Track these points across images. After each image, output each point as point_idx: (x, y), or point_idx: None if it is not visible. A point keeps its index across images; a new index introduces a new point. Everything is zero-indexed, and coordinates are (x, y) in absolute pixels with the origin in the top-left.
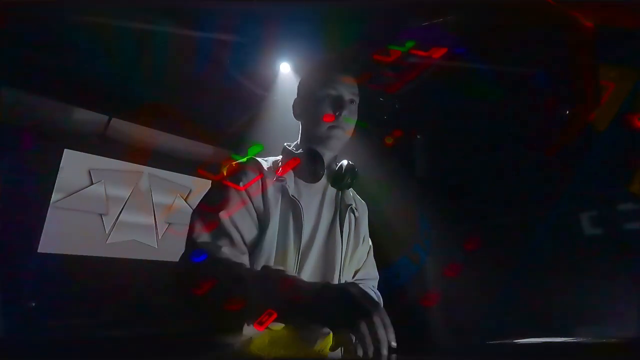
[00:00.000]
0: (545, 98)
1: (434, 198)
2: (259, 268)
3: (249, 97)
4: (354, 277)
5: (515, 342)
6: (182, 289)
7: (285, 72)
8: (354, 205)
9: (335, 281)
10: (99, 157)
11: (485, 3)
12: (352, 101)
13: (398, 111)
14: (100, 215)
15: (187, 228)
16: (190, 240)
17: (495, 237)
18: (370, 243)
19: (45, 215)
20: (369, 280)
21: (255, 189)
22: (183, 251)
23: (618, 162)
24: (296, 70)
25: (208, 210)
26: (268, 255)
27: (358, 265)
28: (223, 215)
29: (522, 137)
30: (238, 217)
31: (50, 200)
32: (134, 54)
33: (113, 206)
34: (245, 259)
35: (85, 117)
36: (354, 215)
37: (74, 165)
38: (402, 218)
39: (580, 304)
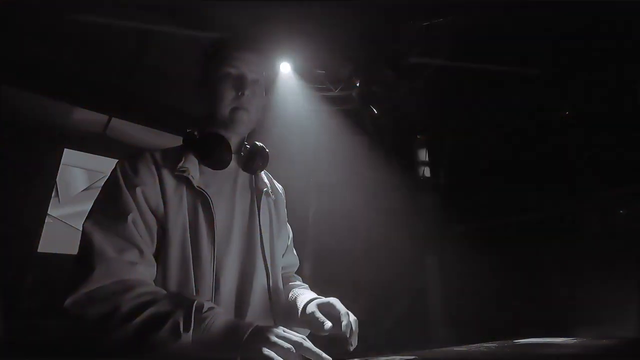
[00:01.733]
0: (546, 98)
1: (434, 198)
2: (170, 272)
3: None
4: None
5: (515, 342)
6: (86, 318)
7: (285, 72)
8: (269, 190)
9: (261, 269)
10: (99, 157)
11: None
12: (255, 80)
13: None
14: None
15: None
16: (86, 253)
17: (495, 237)
18: (290, 229)
19: (45, 215)
20: (292, 267)
21: (151, 186)
22: (72, 274)
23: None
24: (296, 70)
25: (100, 219)
26: (181, 257)
27: (282, 252)
28: (118, 222)
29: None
30: (137, 222)
31: (50, 200)
32: (134, 54)
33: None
34: (152, 272)
35: (85, 117)
36: (271, 200)
37: (74, 165)
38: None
39: (580, 304)
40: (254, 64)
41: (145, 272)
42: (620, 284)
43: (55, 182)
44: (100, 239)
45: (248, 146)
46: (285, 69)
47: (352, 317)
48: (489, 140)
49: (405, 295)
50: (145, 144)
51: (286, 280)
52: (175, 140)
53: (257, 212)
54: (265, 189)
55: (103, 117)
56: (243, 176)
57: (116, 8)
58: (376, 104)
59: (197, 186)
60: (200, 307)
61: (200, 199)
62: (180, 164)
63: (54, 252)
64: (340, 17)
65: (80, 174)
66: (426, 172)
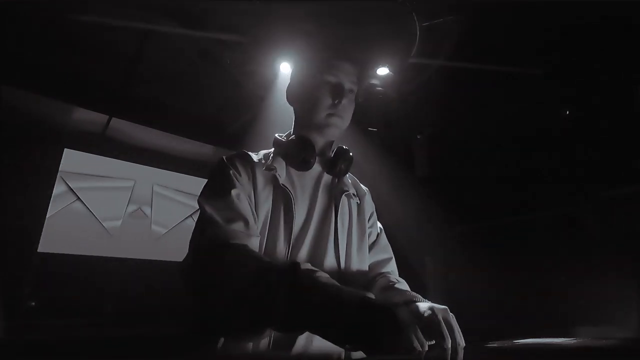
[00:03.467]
0: (546, 98)
1: (434, 198)
2: None
3: (249, 97)
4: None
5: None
6: (198, 280)
7: (285, 72)
8: (352, 192)
9: (332, 272)
10: (99, 157)
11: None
12: (351, 90)
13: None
14: (100, 214)
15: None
16: (198, 226)
17: (495, 237)
18: (380, 225)
19: (45, 215)
20: (385, 262)
21: (246, 180)
22: (193, 244)
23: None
24: None
25: (210, 194)
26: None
27: (366, 254)
28: (224, 195)
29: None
30: (243, 200)
31: (50, 200)
32: (134, 54)
33: (112, 205)
34: (256, 244)
35: (85, 117)
36: (355, 202)
37: (74, 165)
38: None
39: (580, 304)
40: (352, 74)
41: (249, 241)
42: (620, 284)
43: (55, 182)
44: (210, 210)
45: (333, 149)
46: (285, 69)
47: (457, 333)
48: (489, 140)
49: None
50: (145, 144)
51: (391, 283)
52: (176, 140)
53: (333, 214)
54: (346, 191)
55: (103, 117)
56: (326, 178)
57: (116, 8)
58: (376, 104)
59: (282, 184)
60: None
61: (283, 196)
62: (270, 163)
63: (54, 252)
64: (340, 17)
65: (81, 174)
66: (426, 172)
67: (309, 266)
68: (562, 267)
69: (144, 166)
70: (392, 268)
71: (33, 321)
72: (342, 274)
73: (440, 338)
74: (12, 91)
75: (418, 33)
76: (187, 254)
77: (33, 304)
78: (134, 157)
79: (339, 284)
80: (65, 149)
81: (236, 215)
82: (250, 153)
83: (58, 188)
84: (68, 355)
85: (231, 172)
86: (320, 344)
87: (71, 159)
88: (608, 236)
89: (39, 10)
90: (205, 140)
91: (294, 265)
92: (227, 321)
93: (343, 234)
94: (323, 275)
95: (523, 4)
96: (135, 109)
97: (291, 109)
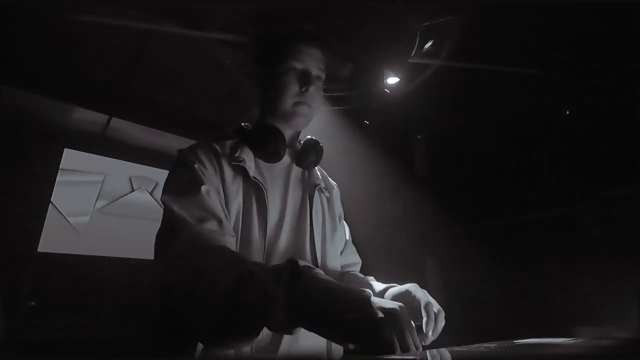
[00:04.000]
0: (546, 98)
1: (434, 198)
2: None
3: (249, 97)
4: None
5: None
6: (178, 292)
7: None
8: (322, 185)
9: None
10: (99, 156)
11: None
12: (318, 77)
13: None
14: (101, 214)
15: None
16: (166, 230)
17: (496, 237)
18: (347, 226)
19: (45, 215)
20: (354, 265)
21: (213, 173)
22: (158, 248)
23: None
24: None
25: (176, 191)
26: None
27: (339, 250)
28: (193, 193)
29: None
30: (213, 196)
31: (50, 200)
32: (134, 54)
33: (112, 205)
34: (233, 242)
35: (85, 117)
36: (324, 196)
37: (74, 165)
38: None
39: (580, 304)
40: (320, 60)
41: (224, 241)
42: (620, 284)
43: (55, 182)
44: (178, 209)
45: (302, 141)
46: None
47: (436, 308)
48: (489, 140)
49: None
50: (145, 144)
51: (360, 277)
52: (176, 140)
53: (308, 208)
54: (318, 185)
55: (103, 117)
56: (296, 171)
57: (116, 8)
58: (376, 104)
59: (253, 176)
60: (294, 265)
61: (255, 189)
62: (237, 155)
63: (54, 252)
64: (340, 16)
65: (81, 174)
66: (426, 172)
67: (305, 263)
68: (562, 267)
69: (145, 166)
70: (358, 269)
71: (33, 321)
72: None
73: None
74: (12, 91)
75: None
76: (155, 261)
77: (33, 304)
78: (134, 157)
79: (339, 282)
80: (65, 149)
81: (208, 213)
82: (212, 142)
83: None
84: (68, 355)
85: (196, 165)
86: (305, 343)
87: (71, 159)
88: (608, 236)
89: (39, 10)
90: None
91: (294, 263)
92: (216, 332)
93: (318, 228)
94: (322, 273)
95: (524, 4)
96: (135, 109)
97: None
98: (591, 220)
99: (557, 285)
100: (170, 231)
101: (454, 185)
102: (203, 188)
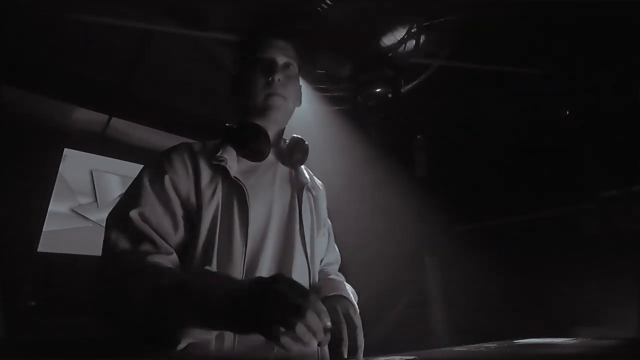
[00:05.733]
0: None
1: (434, 198)
2: (193, 266)
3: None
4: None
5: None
6: (106, 306)
7: None
8: (310, 184)
9: (303, 268)
10: (99, 156)
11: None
12: (287, 65)
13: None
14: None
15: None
16: (105, 247)
17: (496, 237)
18: (330, 223)
19: (45, 215)
20: (334, 264)
21: (183, 177)
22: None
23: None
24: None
25: (121, 210)
26: (208, 249)
27: (322, 248)
28: (134, 213)
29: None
30: (152, 214)
31: (50, 200)
32: (134, 54)
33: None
34: (170, 260)
35: (85, 117)
36: (312, 195)
37: (74, 165)
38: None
39: (580, 304)
40: (284, 48)
41: (161, 261)
42: (620, 284)
43: (55, 182)
44: (115, 232)
45: (287, 139)
46: None
47: (354, 326)
48: (489, 139)
49: (405, 295)
50: (145, 144)
51: (325, 276)
52: (176, 140)
53: (297, 208)
54: (306, 184)
55: (103, 117)
56: (282, 169)
57: (117, 8)
58: (376, 104)
59: (234, 176)
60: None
61: (235, 189)
62: (218, 154)
63: (54, 252)
64: (340, 16)
65: (81, 174)
66: (426, 171)
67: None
68: (562, 267)
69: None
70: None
71: (33, 321)
72: (311, 271)
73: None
74: (12, 91)
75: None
76: (97, 278)
77: (33, 304)
78: (134, 157)
79: (222, 278)
80: (65, 149)
81: (142, 236)
82: (192, 144)
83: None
84: (68, 355)
85: (157, 174)
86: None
87: (71, 159)
88: (608, 236)
89: (39, 10)
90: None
91: (179, 278)
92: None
93: (307, 227)
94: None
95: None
96: (135, 109)
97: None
98: (591, 220)
99: (557, 285)
100: (105, 253)
101: (454, 185)
102: (146, 209)
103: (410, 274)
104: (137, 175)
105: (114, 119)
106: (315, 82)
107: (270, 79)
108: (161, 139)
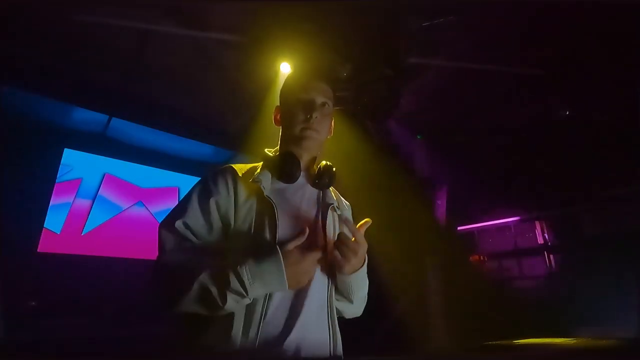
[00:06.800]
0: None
1: (434, 199)
2: None
3: (249, 97)
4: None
5: (515, 343)
6: (164, 295)
7: (285, 72)
8: (335, 205)
9: (322, 282)
10: (99, 156)
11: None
12: (324, 104)
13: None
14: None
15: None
16: (158, 249)
17: (495, 237)
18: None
19: (45, 215)
20: None
21: (224, 196)
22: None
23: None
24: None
25: (169, 221)
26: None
27: None
28: (179, 223)
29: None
30: (194, 224)
31: (50, 200)
32: (134, 54)
33: (112, 205)
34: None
35: (85, 117)
36: (337, 214)
37: (74, 165)
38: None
39: (580, 304)
40: (323, 90)
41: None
42: (620, 284)
43: (55, 182)
44: (163, 236)
45: (318, 164)
46: (285, 69)
47: (359, 244)
48: (489, 140)
49: (405, 295)
50: (145, 144)
51: None
52: (176, 140)
53: (321, 226)
54: (331, 204)
55: (103, 117)
56: (311, 191)
57: (116, 8)
58: (376, 104)
59: (266, 195)
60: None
61: (267, 206)
62: (255, 176)
63: (54, 252)
64: (340, 16)
65: (81, 174)
66: (426, 172)
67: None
68: (562, 267)
69: (144, 166)
70: None
71: (33, 321)
72: (329, 287)
73: None
74: (12, 91)
75: None
76: (153, 272)
77: (33, 304)
78: (134, 157)
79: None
80: (65, 149)
81: (185, 240)
82: (235, 166)
83: (65, 189)
84: (68, 355)
85: (203, 193)
86: (312, 336)
87: (71, 159)
88: (608, 236)
89: (39, 10)
90: (205, 140)
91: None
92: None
93: (330, 246)
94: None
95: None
96: (135, 109)
97: None
98: (591, 220)
99: (556, 285)
100: (159, 250)
101: (455, 185)
102: (190, 220)
103: (410, 274)
104: (189, 191)
105: (114, 119)
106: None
107: (308, 116)
108: (161, 139)
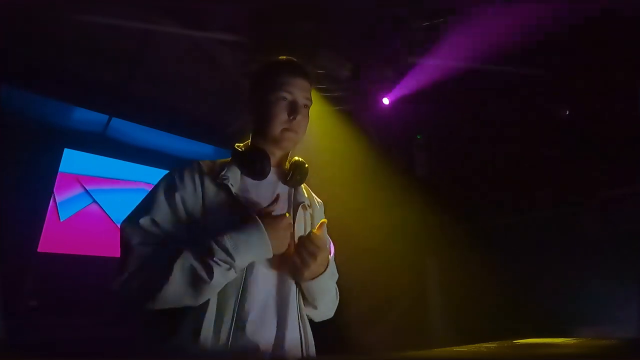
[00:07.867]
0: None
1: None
2: None
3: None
4: None
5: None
6: (137, 293)
7: None
8: (306, 203)
9: (291, 281)
10: (99, 157)
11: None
12: (305, 106)
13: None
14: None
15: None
16: (123, 249)
17: (495, 237)
18: (332, 243)
19: (45, 215)
20: None
21: (191, 192)
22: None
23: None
24: None
25: (133, 217)
26: None
27: None
28: (144, 220)
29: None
30: (160, 221)
31: (50, 200)
32: (134, 54)
33: (113, 205)
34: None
35: (85, 117)
36: (308, 212)
37: (74, 165)
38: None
39: (580, 304)
40: (306, 90)
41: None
42: (620, 284)
43: (55, 182)
44: (128, 232)
45: (289, 160)
46: None
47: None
48: (489, 139)
49: (405, 295)
50: (145, 144)
51: None
52: (176, 140)
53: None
54: (302, 202)
55: (103, 117)
56: (282, 188)
57: (116, 8)
58: (376, 103)
59: (235, 193)
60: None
61: (236, 205)
62: (223, 173)
63: (54, 252)
64: (340, 16)
65: (81, 174)
66: (426, 172)
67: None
68: (562, 267)
69: (144, 166)
70: None
71: (33, 321)
72: (300, 287)
73: None
74: (12, 91)
75: None
76: (115, 275)
77: (33, 304)
78: (134, 157)
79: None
80: (65, 149)
81: (151, 237)
82: (202, 162)
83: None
84: (68, 355)
85: (168, 189)
86: (286, 336)
87: (71, 159)
88: (608, 236)
89: (39, 10)
90: (205, 140)
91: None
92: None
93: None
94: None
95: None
96: (135, 109)
97: None
98: (591, 220)
99: (556, 285)
100: (122, 251)
101: (454, 185)
102: (157, 216)
103: (410, 274)
104: (152, 188)
105: (114, 119)
106: (315, 82)
107: (292, 117)
108: (161, 139)
